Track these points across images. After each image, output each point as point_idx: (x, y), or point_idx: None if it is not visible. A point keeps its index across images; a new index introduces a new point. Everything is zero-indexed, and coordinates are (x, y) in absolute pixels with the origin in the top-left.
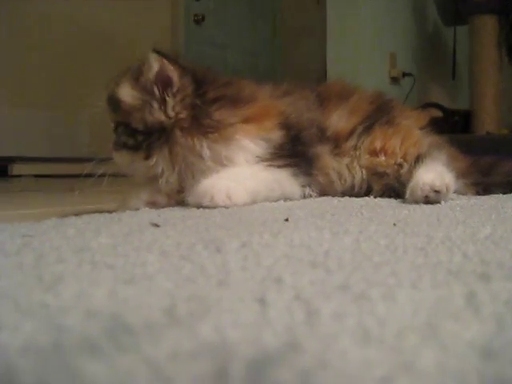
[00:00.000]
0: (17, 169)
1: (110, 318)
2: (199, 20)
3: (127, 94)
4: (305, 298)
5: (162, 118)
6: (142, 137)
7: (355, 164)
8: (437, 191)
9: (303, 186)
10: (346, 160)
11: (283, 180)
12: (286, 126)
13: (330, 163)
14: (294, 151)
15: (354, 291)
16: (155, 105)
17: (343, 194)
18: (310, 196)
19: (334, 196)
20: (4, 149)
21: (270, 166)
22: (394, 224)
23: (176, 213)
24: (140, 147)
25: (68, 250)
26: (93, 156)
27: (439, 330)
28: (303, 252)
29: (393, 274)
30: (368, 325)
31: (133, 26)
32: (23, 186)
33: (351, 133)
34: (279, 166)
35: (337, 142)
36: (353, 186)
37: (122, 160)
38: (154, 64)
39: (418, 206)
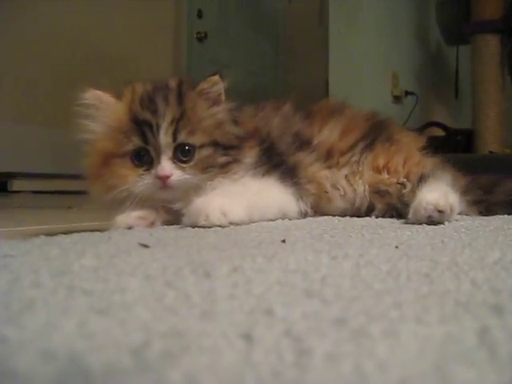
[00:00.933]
0: (16, 185)
1: (69, 360)
2: (202, 38)
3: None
4: (296, 334)
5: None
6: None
7: (357, 178)
8: (440, 211)
9: (297, 199)
10: (345, 171)
11: (276, 192)
12: (261, 140)
13: (321, 172)
14: (272, 160)
15: (351, 326)
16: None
17: (344, 211)
18: (306, 212)
19: (334, 214)
20: (4, 165)
21: (255, 174)
22: (396, 247)
23: (169, 232)
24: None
25: (46, 273)
26: None
27: (449, 377)
28: (298, 278)
29: (395, 305)
30: (367, 369)
31: (136, 43)
32: (21, 202)
33: (351, 147)
34: (263, 174)
35: (330, 154)
36: (354, 201)
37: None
38: (221, 83)
39: (420, 227)
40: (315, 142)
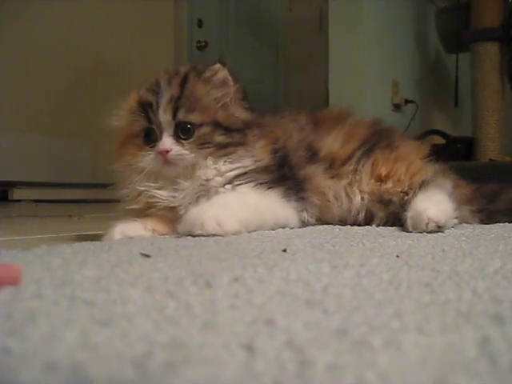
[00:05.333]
0: (17, 194)
1: (72, 371)
2: (202, 46)
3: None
4: (298, 344)
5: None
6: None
7: (355, 188)
8: (440, 226)
9: (300, 211)
10: (344, 182)
11: (275, 207)
12: (275, 149)
13: (325, 182)
14: (282, 174)
15: (353, 337)
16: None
17: (340, 219)
18: (309, 222)
19: (331, 221)
20: (5, 173)
21: (260, 183)
22: (397, 256)
23: (170, 242)
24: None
25: (48, 284)
26: (94, 182)
27: None
28: (299, 288)
29: (396, 315)
30: (368, 380)
31: (136, 52)
32: (22, 211)
33: (350, 157)
34: (269, 186)
35: (332, 163)
36: (349, 210)
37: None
38: (223, 70)
39: (421, 235)
40: (322, 153)
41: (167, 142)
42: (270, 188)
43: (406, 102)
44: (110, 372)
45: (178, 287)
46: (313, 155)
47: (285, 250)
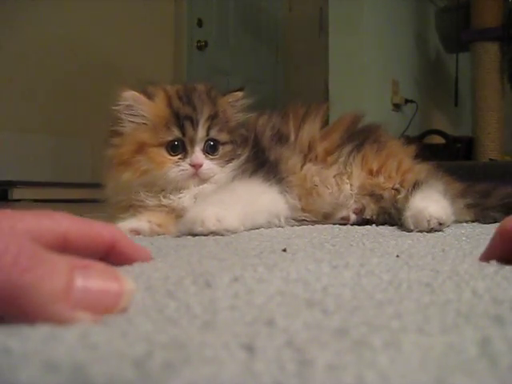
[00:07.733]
0: (17, 193)
1: (72, 371)
2: (202, 46)
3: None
4: (297, 344)
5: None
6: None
7: (345, 178)
8: (441, 223)
9: (283, 195)
10: (333, 171)
11: (263, 195)
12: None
13: (305, 166)
14: (259, 160)
15: (353, 337)
16: None
17: (332, 207)
18: (295, 205)
19: (322, 209)
20: (4, 173)
21: (244, 173)
22: (397, 256)
23: (170, 241)
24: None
25: None
26: (94, 182)
27: None
28: (299, 288)
29: (397, 315)
30: (368, 380)
31: (136, 51)
32: (22, 210)
33: (338, 147)
34: (251, 173)
35: (310, 148)
36: (338, 197)
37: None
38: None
39: (421, 235)
40: (293, 137)
41: (200, 156)
42: (251, 175)
43: (406, 101)
44: (110, 372)
45: (177, 287)
46: (281, 137)
47: (285, 250)
